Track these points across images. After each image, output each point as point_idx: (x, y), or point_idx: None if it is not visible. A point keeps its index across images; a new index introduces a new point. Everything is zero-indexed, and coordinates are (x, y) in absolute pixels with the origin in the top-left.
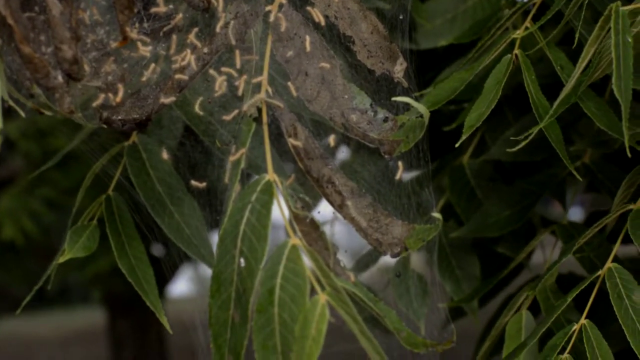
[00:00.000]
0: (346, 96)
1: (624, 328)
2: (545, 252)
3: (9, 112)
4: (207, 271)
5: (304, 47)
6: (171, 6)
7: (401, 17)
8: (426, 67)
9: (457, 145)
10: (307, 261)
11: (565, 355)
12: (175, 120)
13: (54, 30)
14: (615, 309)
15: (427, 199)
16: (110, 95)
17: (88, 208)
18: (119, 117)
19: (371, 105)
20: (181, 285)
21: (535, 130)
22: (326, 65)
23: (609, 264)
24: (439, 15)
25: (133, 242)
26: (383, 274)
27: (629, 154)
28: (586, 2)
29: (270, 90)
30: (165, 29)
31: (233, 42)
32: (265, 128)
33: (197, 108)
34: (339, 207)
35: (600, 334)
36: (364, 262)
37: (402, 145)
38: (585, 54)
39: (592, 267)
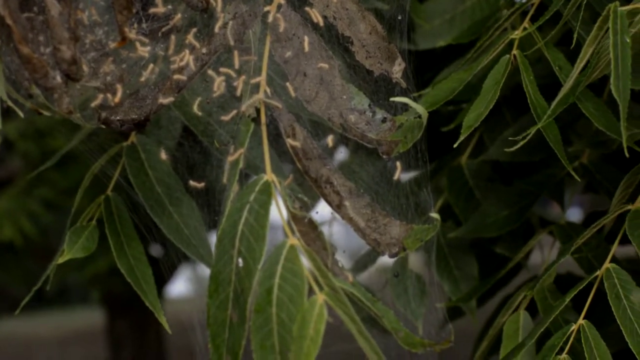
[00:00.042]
0: (344, 96)
1: (622, 328)
2: (544, 252)
3: (7, 113)
4: (205, 271)
5: (302, 48)
6: (170, 7)
7: (400, 17)
8: (425, 67)
9: (455, 145)
10: (305, 261)
11: (564, 355)
12: (173, 120)
13: (52, 30)
14: (613, 309)
15: (426, 199)
16: (109, 95)
17: (87, 208)
18: (118, 118)
19: (369, 105)
20: (180, 286)
21: (533, 130)
22: (325, 65)
23: (607, 264)
24: (437, 16)
25: (132, 243)
26: (381, 274)
27: (627, 154)
28: (584, 2)
29: (268, 90)
30: (163, 29)
31: (231, 42)
32: (264, 128)
33: (195, 108)
34: (337, 207)
35: (598, 335)
36: (362, 263)
37: (401, 145)
38: (583, 54)
39: (590, 268)
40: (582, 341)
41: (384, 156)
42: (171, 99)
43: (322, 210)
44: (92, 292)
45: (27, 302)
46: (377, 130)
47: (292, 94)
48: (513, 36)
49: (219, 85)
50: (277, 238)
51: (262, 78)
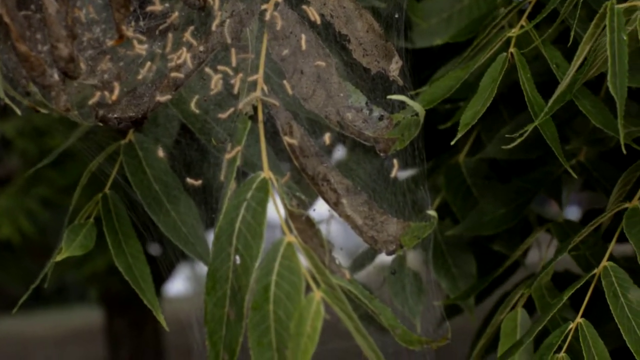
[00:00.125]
0: (342, 94)
1: (619, 327)
2: (541, 250)
3: (5, 111)
4: (203, 270)
5: (299, 46)
6: (167, 5)
7: (397, 15)
8: (422, 65)
9: (452, 143)
10: (302, 259)
11: (562, 354)
12: (171, 118)
13: (50, 28)
14: (611, 307)
15: (423, 197)
16: (106, 93)
17: (85, 207)
18: (115, 115)
19: (366, 103)
20: (178, 284)
21: (530, 127)
22: (322, 63)
23: (604, 262)
24: (434, 14)
25: (130, 241)
26: (380, 272)
27: (624, 151)
28: (581, 0)
29: (265, 88)
30: (161, 27)
31: (229, 40)
32: (261, 126)
33: (193, 106)
34: (335, 205)
35: (596, 333)
36: (360, 261)
37: (398, 143)
38: (580, 51)
39: (587, 266)
40: (580, 340)
41: (381, 154)
42: (168, 96)
43: (319, 209)
44: (90, 290)
45: (25, 301)
46: (374, 128)
47: (289, 91)
48: (510, 34)
49: (216, 83)
50: (275, 237)
51: (259, 76)
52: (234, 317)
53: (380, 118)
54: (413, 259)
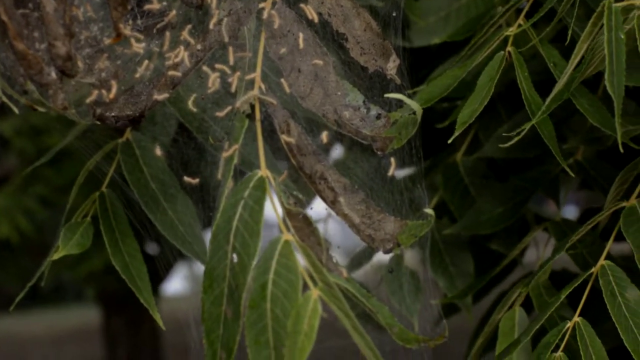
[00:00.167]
0: (339, 93)
1: (617, 325)
2: (539, 249)
3: (2, 110)
4: (201, 269)
5: (297, 44)
6: (165, 3)
7: (394, 14)
8: (419, 64)
9: (449, 142)
10: (300, 257)
11: (559, 353)
12: (168, 116)
13: (47, 27)
14: (608, 306)
15: (420, 196)
16: (104, 91)
17: (82, 205)
18: (113, 114)
19: (364, 102)
20: (176, 284)
21: (527, 126)
22: (319, 62)
23: (601, 261)
24: (432, 13)
25: (127, 239)
26: (377, 271)
27: (621, 150)
28: None
29: (263, 86)
30: (158, 25)
31: (226, 39)
32: (258, 124)
33: (190, 104)
34: (332, 203)
35: (593, 332)
36: (357, 260)
37: (395, 141)
38: (577, 50)
39: (585, 265)
40: (577, 338)
41: (379, 152)
42: (166, 95)
43: (317, 208)
44: (87, 289)
45: (22, 300)
46: (372, 127)
47: (287, 90)
48: (508, 33)
49: (213, 81)
50: (273, 236)
51: (256, 74)
52: (231, 316)
53: (378, 116)
54: (411, 257)
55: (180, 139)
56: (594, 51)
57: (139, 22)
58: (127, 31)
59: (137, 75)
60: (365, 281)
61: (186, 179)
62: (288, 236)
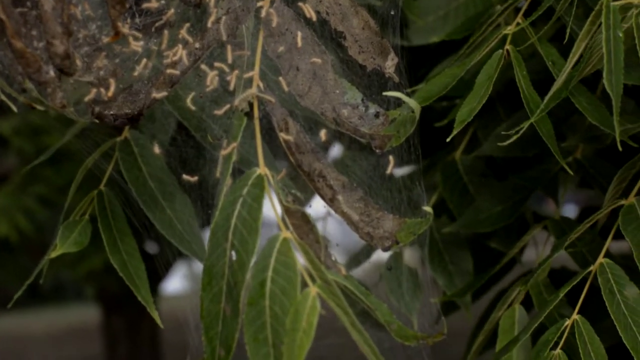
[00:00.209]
0: (337, 91)
1: (615, 323)
2: (538, 248)
3: (1, 109)
4: (200, 268)
5: (295, 43)
6: (163, 1)
7: (392, 12)
8: (418, 63)
9: (448, 140)
10: (299, 255)
11: (558, 350)
12: (167, 115)
13: (45, 25)
14: (607, 304)
15: (418, 193)
16: (102, 90)
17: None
18: (111, 112)
19: (362, 100)
20: (175, 283)
21: (526, 124)
22: (317, 60)
23: (600, 259)
24: (431, 12)
25: (125, 238)
26: (376, 270)
27: (620, 148)
28: None
29: (261, 85)
30: (157, 24)
31: (224, 37)
32: (257, 122)
33: (189, 103)
34: (330, 201)
35: (592, 330)
36: (356, 258)
37: (393, 140)
38: (576, 48)
39: (584, 263)
40: (576, 336)
41: (377, 151)
42: (164, 93)
43: (316, 207)
44: (87, 288)
45: (22, 299)
46: (370, 125)
47: (285, 88)
48: (506, 31)
49: (212, 79)
50: (272, 235)
51: (255, 72)
52: (230, 313)
53: (376, 115)
54: (410, 256)
55: (179, 137)
56: (592, 50)
57: (137, 20)
58: (125, 30)
59: (136, 74)
60: (365, 279)
61: (185, 176)
62: (287, 234)
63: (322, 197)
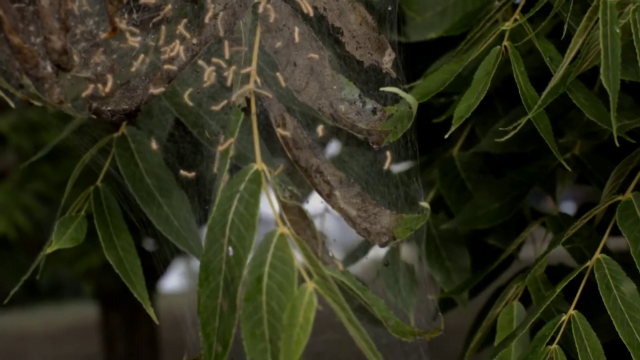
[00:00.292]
0: (335, 87)
1: (612, 319)
2: (536, 245)
3: None
4: (198, 266)
5: (292, 38)
6: None
7: (390, 8)
8: (416, 59)
9: (446, 136)
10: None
11: (555, 345)
12: (165, 110)
13: (43, 20)
14: (603, 299)
15: (416, 189)
16: (100, 86)
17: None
18: (109, 108)
19: (360, 96)
20: (173, 280)
21: (524, 120)
22: (315, 56)
23: (597, 255)
24: (429, 8)
25: (121, 234)
26: (374, 267)
27: (617, 144)
28: None
29: (259, 80)
30: (154, 20)
31: (222, 33)
32: (254, 118)
33: (186, 98)
34: (328, 197)
35: (589, 325)
36: (353, 254)
37: (390, 135)
38: (573, 44)
39: (582, 258)
40: (573, 331)
41: (374, 146)
42: (162, 89)
43: (314, 204)
44: (86, 286)
45: (20, 297)
46: (367, 121)
47: (283, 84)
48: (504, 28)
49: (209, 75)
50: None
51: (252, 68)
52: (227, 309)
53: (374, 110)
54: (408, 253)
55: (177, 132)
56: (589, 45)
57: (134, 16)
58: (122, 25)
59: (133, 70)
60: (362, 276)
61: (182, 172)
62: (284, 229)
63: (320, 193)
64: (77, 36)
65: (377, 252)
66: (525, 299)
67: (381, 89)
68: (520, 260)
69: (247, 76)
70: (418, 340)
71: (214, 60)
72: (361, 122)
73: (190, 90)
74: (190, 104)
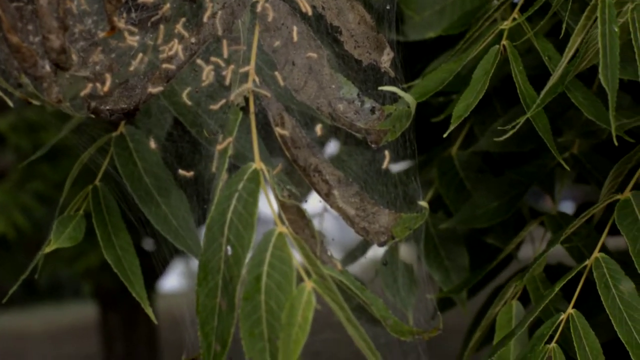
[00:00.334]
0: (333, 86)
1: (611, 318)
2: (535, 245)
3: None
4: (197, 266)
5: (291, 37)
6: None
7: (388, 7)
8: (415, 59)
9: (445, 135)
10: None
11: (553, 344)
12: (163, 110)
13: (41, 19)
14: (602, 298)
15: (414, 189)
16: (98, 85)
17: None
18: (107, 107)
19: (358, 95)
20: (172, 280)
21: (522, 119)
22: (313, 55)
23: (596, 254)
24: (427, 7)
25: (120, 233)
26: (373, 267)
27: (615, 143)
28: None
29: (257, 79)
30: (152, 19)
31: (220, 32)
32: (253, 117)
33: (184, 97)
34: (326, 196)
35: (587, 324)
36: (352, 254)
37: (389, 134)
38: (572, 43)
39: (580, 257)
40: (571, 330)
41: (373, 145)
42: (160, 88)
43: (313, 204)
44: (85, 286)
45: (20, 297)
46: (366, 120)
47: (281, 83)
48: (502, 27)
49: (207, 74)
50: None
51: (251, 67)
52: (225, 308)
53: (372, 110)
54: (406, 252)
55: (175, 132)
56: (588, 44)
57: (133, 15)
58: (121, 24)
59: (132, 69)
60: (361, 276)
61: (181, 172)
62: (282, 228)
63: (318, 192)
64: (76, 35)
65: (376, 251)
66: (524, 298)
67: (380, 88)
68: (519, 259)
69: (246, 75)
70: (417, 339)
71: (213, 59)
72: (360, 121)
73: (188, 89)
74: (189, 103)
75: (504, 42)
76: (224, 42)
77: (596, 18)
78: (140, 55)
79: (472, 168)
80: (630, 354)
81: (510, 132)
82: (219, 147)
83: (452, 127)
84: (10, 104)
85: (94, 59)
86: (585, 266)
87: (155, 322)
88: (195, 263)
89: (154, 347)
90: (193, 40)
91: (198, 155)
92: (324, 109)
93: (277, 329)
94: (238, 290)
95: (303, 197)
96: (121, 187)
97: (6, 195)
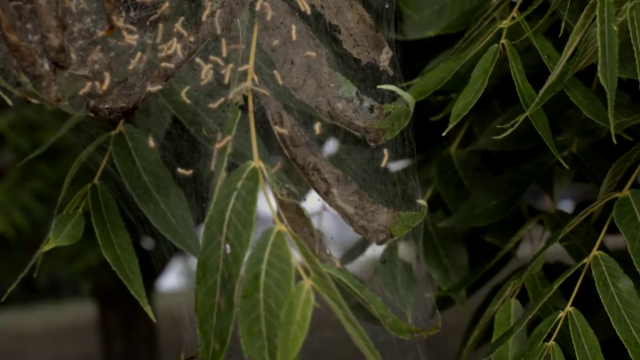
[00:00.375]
0: (332, 85)
1: (609, 316)
2: (533, 244)
3: None
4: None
5: (290, 36)
6: None
7: (387, 6)
8: (414, 58)
9: (444, 134)
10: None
11: (551, 342)
12: (162, 108)
13: (40, 18)
14: (600, 296)
15: (413, 187)
16: (97, 83)
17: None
18: (106, 106)
19: (357, 93)
20: (171, 279)
21: (521, 118)
22: (312, 54)
23: (594, 252)
24: (426, 6)
25: (118, 232)
26: (372, 264)
27: (614, 141)
28: None
29: (256, 78)
30: (151, 17)
31: (219, 31)
32: (251, 116)
33: (183, 96)
34: (325, 195)
35: (585, 322)
36: (351, 252)
37: (388, 133)
38: (571, 42)
39: (579, 256)
40: (570, 328)
41: (371, 144)
42: (159, 87)
43: (312, 202)
44: (84, 285)
45: (19, 296)
46: (365, 118)
47: (280, 82)
48: (501, 26)
49: (206, 73)
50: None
51: (249, 66)
52: (224, 306)
53: (371, 108)
54: (405, 251)
55: (174, 130)
56: (587, 43)
57: (132, 14)
58: (120, 23)
59: (131, 67)
60: (360, 274)
61: (180, 170)
62: (281, 227)
63: (317, 191)
64: (75, 34)
65: (375, 249)
66: (523, 297)
67: (378, 86)
68: (517, 258)
69: (245, 74)
70: (415, 338)
71: (212, 58)
72: (358, 120)
73: (187, 88)
74: (188, 101)
75: (502, 41)
76: (223, 41)
77: (595, 17)
78: (139, 54)
79: (471, 167)
80: (628, 351)
81: (509, 131)
82: (218, 145)
83: (451, 126)
84: (9, 102)
85: (92, 57)
86: (584, 264)
87: (154, 320)
88: (194, 262)
89: (153, 345)
90: (192, 39)
91: (197, 153)
92: (323, 107)
93: (275, 327)
94: (237, 288)
95: (302, 195)
96: (120, 186)
97: (5, 194)
